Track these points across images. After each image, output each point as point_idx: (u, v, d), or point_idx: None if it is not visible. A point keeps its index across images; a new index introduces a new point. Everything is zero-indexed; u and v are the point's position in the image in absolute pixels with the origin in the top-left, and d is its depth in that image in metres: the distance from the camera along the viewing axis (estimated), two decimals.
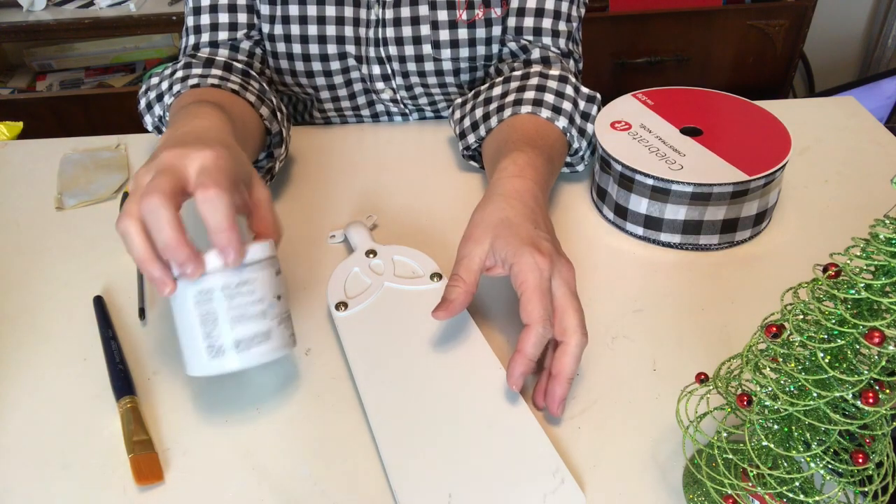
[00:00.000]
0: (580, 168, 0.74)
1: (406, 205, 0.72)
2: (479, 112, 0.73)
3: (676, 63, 1.73)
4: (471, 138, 0.73)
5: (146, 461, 0.48)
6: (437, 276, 0.59)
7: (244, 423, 0.52)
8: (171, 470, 0.49)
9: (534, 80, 0.71)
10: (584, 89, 0.73)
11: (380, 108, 0.86)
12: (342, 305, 0.57)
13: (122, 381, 0.54)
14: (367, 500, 0.46)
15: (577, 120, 0.70)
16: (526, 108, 0.69)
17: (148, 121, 0.74)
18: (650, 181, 0.63)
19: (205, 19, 0.76)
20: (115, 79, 1.82)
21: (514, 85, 0.72)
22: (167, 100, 0.69)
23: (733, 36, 1.70)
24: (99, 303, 0.61)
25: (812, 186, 0.73)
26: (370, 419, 0.50)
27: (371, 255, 0.62)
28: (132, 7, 1.64)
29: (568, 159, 0.73)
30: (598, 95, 0.73)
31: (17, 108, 1.69)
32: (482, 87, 0.75)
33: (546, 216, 0.57)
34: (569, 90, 0.71)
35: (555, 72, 0.72)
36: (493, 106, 0.71)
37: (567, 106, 0.70)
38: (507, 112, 0.69)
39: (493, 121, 0.70)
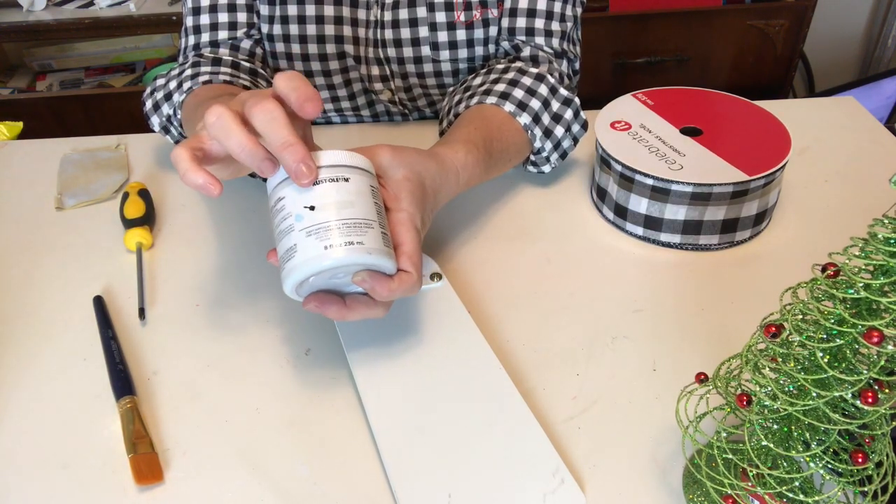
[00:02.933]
0: (546, 169, 0.73)
1: None
2: (456, 98, 0.73)
3: (676, 63, 1.73)
4: (444, 123, 0.74)
5: (146, 461, 0.48)
6: (437, 276, 0.59)
7: (244, 423, 0.52)
8: (171, 470, 0.49)
9: (510, 75, 0.71)
10: (563, 91, 0.71)
11: (380, 108, 0.86)
12: None
13: (122, 381, 0.54)
14: (367, 500, 0.46)
15: (545, 120, 0.70)
16: (491, 99, 0.68)
17: (155, 121, 0.74)
18: (650, 181, 0.63)
19: (204, 19, 0.76)
20: (115, 79, 1.82)
21: (491, 77, 0.72)
22: (177, 98, 0.69)
23: (733, 36, 1.71)
24: (99, 303, 0.61)
25: (812, 186, 0.73)
26: (370, 419, 0.50)
27: None
28: (132, 7, 1.65)
29: (532, 158, 0.72)
30: (577, 100, 0.72)
31: (17, 108, 1.69)
32: (468, 77, 0.76)
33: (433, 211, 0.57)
34: (542, 89, 0.70)
35: (534, 70, 0.72)
36: (468, 94, 0.72)
37: (535, 104, 0.69)
38: (475, 100, 0.69)
39: (462, 107, 0.70)
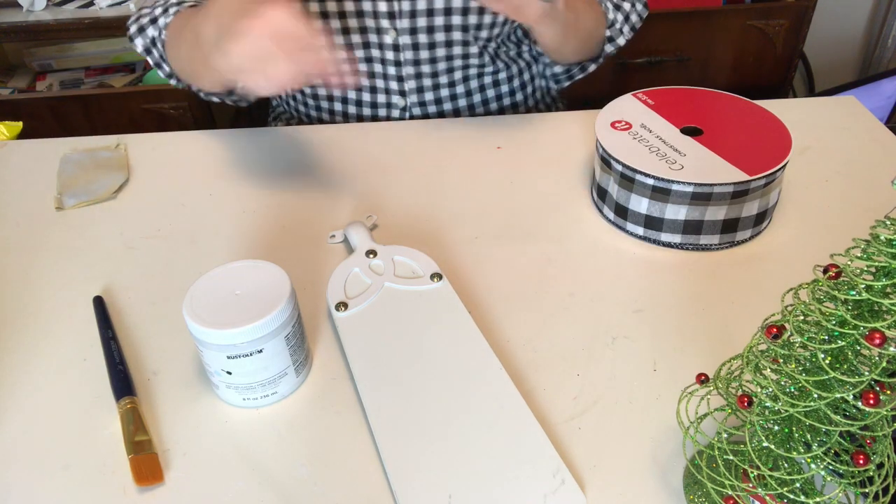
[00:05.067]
0: (621, 42, 0.82)
1: (406, 205, 0.72)
2: None
3: (676, 63, 1.73)
4: None
5: (146, 461, 0.48)
6: (437, 276, 0.59)
7: (244, 423, 0.52)
8: (171, 470, 0.49)
9: None
10: None
11: (377, 66, 0.85)
12: (342, 306, 0.57)
13: (122, 382, 0.54)
14: (367, 500, 0.46)
15: None
16: None
17: (139, 43, 0.78)
18: (650, 181, 0.63)
19: None
20: (115, 79, 1.82)
21: None
22: (162, 21, 0.75)
23: (733, 36, 1.70)
24: (99, 303, 0.61)
25: (812, 186, 0.73)
26: (370, 419, 0.50)
27: (371, 256, 0.61)
28: (132, 7, 1.64)
29: (608, 33, 0.80)
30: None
31: (17, 108, 1.68)
32: None
33: None
34: None
35: None
36: None
37: None
38: None
39: None
